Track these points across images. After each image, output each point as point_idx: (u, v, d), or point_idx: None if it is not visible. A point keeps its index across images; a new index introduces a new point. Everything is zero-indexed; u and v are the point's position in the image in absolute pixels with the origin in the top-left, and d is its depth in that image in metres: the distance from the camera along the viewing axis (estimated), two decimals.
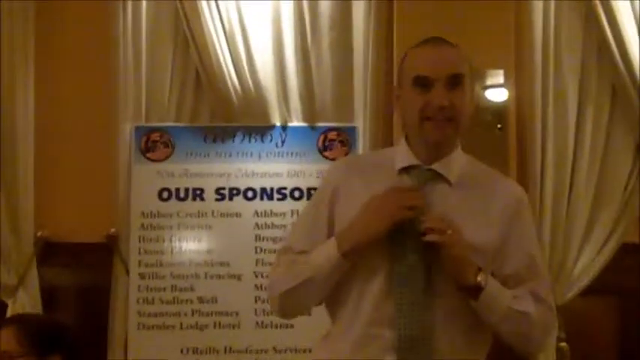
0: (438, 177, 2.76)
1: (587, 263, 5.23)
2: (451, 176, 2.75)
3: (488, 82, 5.27)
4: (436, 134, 2.71)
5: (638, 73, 5.17)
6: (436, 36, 3.00)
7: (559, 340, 5.10)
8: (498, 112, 5.28)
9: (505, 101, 5.29)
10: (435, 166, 2.76)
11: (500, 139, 5.27)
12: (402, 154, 2.82)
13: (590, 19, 5.28)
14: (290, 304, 2.84)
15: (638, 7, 5.19)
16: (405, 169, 2.79)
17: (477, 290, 2.61)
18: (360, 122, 5.27)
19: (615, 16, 5.17)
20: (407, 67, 2.80)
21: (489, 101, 5.28)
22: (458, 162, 2.81)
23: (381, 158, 2.96)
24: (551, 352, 5.09)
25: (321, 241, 2.77)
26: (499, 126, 5.27)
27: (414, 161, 2.78)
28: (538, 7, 5.27)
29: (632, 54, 5.17)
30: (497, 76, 5.28)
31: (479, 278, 2.59)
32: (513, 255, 2.73)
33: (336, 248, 2.66)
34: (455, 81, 2.71)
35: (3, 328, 3.44)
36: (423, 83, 2.69)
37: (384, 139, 5.28)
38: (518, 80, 5.33)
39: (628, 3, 5.18)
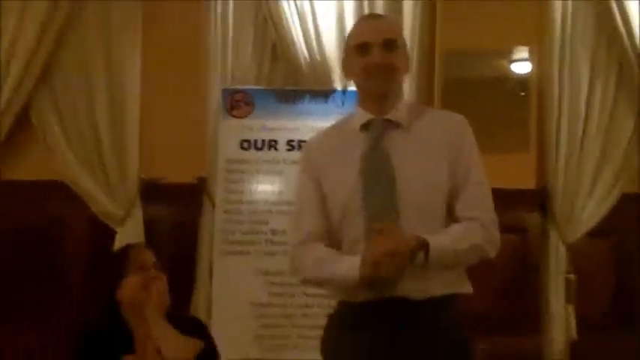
0: (392, 124, 3.06)
1: (593, 209, 5.67)
2: (403, 121, 3.06)
3: (515, 57, 5.81)
4: (378, 87, 3.05)
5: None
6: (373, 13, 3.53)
7: (567, 272, 5.61)
8: (522, 82, 5.78)
9: (528, 73, 5.79)
10: (389, 116, 3.06)
11: (524, 105, 5.78)
12: (359, 116, 3.12)
13: (601, 3, 5.71)
14: (310, 285, 3.28)
15: None
16: (365, 126, 3.09)
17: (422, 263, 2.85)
18: (407, 89, 5.41)
19: (624, 2, 5.62)
20: (351, 38, 3.15)
21: (515, 73, 5.80)
22: (405, 109, 3.11)
23: (343, 127, 3.21)
24: (561, 283, 5.62)
25: (324, 216, 3.05)
26: (523, 94, 5.77)
27: (370, 117, 3.08)
28: None
29: (637, 35, 5.62)
30: (522, 52, 5.80)
31: (416, 261, 2.83)
32: (458, 169, 3.01)
33: (357, 270, 2.84)
34: (389, 45, 3.03)
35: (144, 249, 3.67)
36: (363, 49, 3.03)
37: (426, 103, 5.63)
38: (539, 56, 5.76)
39: None
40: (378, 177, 2.98)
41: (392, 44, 3.06)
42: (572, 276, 5.64)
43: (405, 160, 3.01)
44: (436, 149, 3.04)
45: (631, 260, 5.73)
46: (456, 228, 2.98)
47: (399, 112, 3.10)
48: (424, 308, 2.94)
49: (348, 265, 2.90)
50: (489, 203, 3.06)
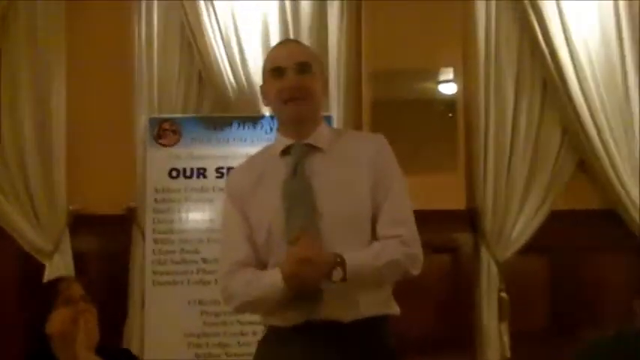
0: (313, 149, 3.06)
1: (522, 227, 5.69)
2: (323, 145, 3.07)
3: (441, 78, 5.80)
4: (295, 111, 3.04)
5: (563, 68, 5.65)
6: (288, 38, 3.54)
7: (500, 290, 5.61)
8: (449, 102, 5.77)
9: (455, 94, 5.79)
10: (308, 140, 3.07)
11: (451, 125, 5.75)
12: (279, 142, 3.13)
13: (523, 24, 5.77)
14: (245, 311, 3.17)
15: (564, 12, 5.68)
16: (285, 151, 3.09)
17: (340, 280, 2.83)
18: (335, 111, 5.65)
19: (545, 20, 5.68)
20: (266, 65, 3.15)
21: (442, 94, 5.80)
22: (325, 133, 3.12)
23: (265, 154, 3.22)
24: (494, 301, 5.62)
25: (250, 245, 3.03)
26: (450, 114, 5.74)
27: (289, 142, 3.08)
28: (481, 15, 5.76)
29: (559, 52, 5.67)
30: (448, 73, 5.80)
31: (333, 278, 2.82)
32: (379, 189, 3.00)
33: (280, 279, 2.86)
34: (303, 68, 3.04)
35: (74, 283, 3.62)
36: (277, 73, 3.04)
37: (354, 124, 5.75)
38: (465, 76, 5.80)
39: (555, 9, 5.68)
40: (299, 201, 2.97)
41: (306, 67, 3.08)
42: (504, 294, 5.64)
43: (326, 183, 3.01)
44: (357, 170, 3.04)
45: (564, 276, 5.77)
46: (374, 245, 2.97)
47: (318, 136, 3.12)
48: (353, 330, 2.93)
49: (271, 276, 2.92)
50: (410, 220, 3.05)
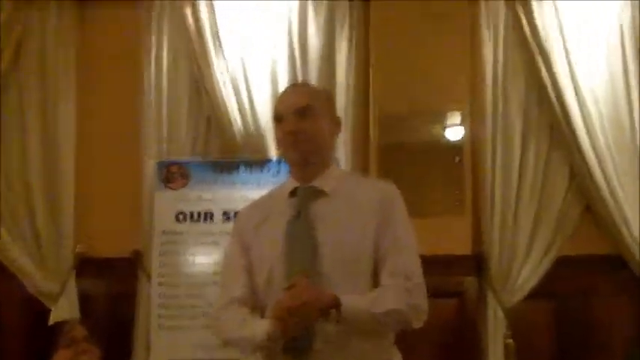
0: (318, 192, 3.07)
1: (529, 273, 5.64)
2: (328, 189, 3.07)
3: (448, 122, 5.80)
4: (293, 155, 3.09)
5: (570, 113, 5.63)
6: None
7: (506, 337, 5.52)
8: (456, 147, 5.77)
9: (462, 138, 5.78)
10: (314, 183, 3.08)
11: (458, 170, 5.74)
12: (288, 183, 3.15)
13: (531, 70, 5.77)
14: (231, 346, 3.09)
15: (571, 57, 5.68)
16: (292, 193, 3.11)
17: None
18: (342, 155, 5.63)
19: (552, 66, 5.67)
20: (273, 111, 3.21)
21: (449, 138, 5.79)
22: (333, 177, 3.13)
23: (274, 195, 3.25)
24: (500, 347, 5.53)
25: (249, 284, 3.06)
26: (457, 158, 5.74)
27: (296, 184, 3.11)
28: (489, 60, 5.78)
29: (566, 98, 5.66)
30: (456, 117, 5.81)
31: (329, 318, 2.80)
32: (384, 236, 2.97)
33: (264, 333, 2.84)
34: (302, 112, 3.05)
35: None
36: (279, 119, 3.10)
37: (361, 168, 5.75)
38: (472, 121, 5.80)
39: (563, 55, 5.68)
40: (301, 244, 2.98)
41: (305, 111, 3.08)
42: (510, 341, 5.57)
43: (329, 227, 3.00)
44: (362, 217, 3.03)
45: (571, 322, 5.70)
46: (375, 291, 2.95)
47: (325, 180, 3.12)
48: None
49: (258, 325, 2.90)
50: (416, 269, 3.01)
